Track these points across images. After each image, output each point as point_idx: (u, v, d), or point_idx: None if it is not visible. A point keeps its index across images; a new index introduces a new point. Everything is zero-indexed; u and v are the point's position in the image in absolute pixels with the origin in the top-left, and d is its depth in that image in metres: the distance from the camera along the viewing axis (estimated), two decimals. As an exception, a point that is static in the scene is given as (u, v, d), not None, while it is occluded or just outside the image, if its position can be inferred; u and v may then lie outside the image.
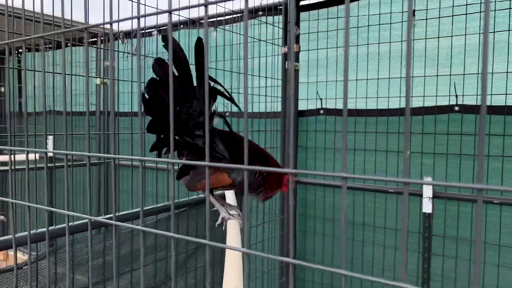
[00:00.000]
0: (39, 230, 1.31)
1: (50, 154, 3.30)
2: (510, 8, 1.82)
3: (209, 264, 1.82)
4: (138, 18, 0.58)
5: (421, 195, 2.07)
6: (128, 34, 2.79)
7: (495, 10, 1.84)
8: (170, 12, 0.54)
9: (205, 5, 0.53)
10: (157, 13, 0.59)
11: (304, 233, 2.45)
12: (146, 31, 2.73)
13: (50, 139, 3.15)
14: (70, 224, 1.38)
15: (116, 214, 1.41)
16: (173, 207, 0.58)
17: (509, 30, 1.83)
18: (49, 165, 3.18)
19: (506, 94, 1.86)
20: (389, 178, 0.44)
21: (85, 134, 0.66)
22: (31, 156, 2.69)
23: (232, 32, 2.20)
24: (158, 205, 1.52)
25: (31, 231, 1.27)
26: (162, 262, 1.60)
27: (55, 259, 1.36)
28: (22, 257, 2.82)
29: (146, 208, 1.50)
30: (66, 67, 3.59)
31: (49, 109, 3.40)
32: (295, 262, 0.50)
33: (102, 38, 3.08)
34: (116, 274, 1.42)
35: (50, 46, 2.84)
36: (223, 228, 1.41)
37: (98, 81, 2.83)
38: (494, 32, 1.86)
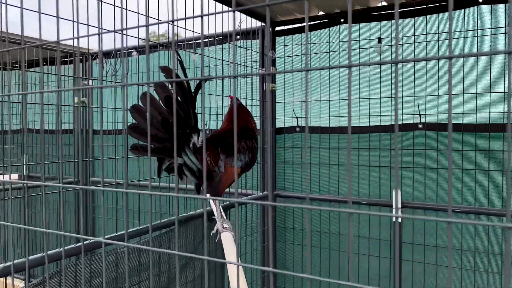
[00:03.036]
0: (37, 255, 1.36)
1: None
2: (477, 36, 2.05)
3: (199, 277, 1.91)
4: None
5: (391, 205, 2.25)
6: (107, 54, 2.85)
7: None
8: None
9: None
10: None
11: (284, 243, 2.58)
12: (126, 51, 2.80)
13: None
14: (66, 247, 1.44)
15: (127, 231, 1.49)
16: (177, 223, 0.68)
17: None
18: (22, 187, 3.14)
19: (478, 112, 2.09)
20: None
21: (78, 160, 0.75)
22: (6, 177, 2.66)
23: (209, 56, 2.32)
24: (155, 223, 1.60)
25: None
26: (156, 278, 1.67)
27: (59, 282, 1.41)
28: (17, 284, 2.63)
29: (142, 227, 1.58)
30: (42, 86, 3.56)
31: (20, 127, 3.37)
32: (275, 271, 0.62)
33: (80, 57, 3.11)
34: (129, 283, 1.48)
35: (19, 65, 2.84)
36: (216, 239, 1.51)
37: (76, 99, 2.86)
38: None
